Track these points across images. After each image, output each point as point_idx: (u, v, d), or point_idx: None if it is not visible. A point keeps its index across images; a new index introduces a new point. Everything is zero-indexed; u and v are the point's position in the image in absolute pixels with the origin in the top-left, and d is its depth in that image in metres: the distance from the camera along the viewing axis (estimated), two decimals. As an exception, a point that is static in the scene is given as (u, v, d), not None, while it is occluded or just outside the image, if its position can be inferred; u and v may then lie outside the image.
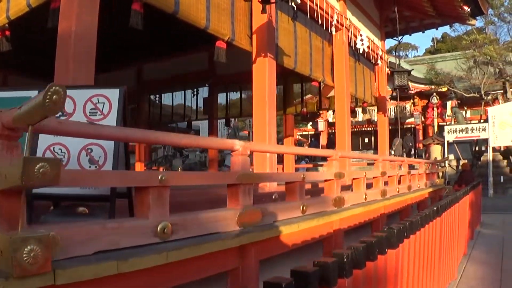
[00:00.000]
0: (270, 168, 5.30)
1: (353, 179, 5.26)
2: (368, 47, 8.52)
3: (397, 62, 9.29)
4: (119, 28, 8.69)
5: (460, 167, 14.35)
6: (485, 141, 17.41)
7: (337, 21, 7.30)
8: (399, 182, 7.34)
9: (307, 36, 6.95)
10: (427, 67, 22.12)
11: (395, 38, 12.05)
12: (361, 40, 8.16)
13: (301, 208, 3.72)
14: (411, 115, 22.80)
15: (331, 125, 25.74)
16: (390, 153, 21.83)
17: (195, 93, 12.63)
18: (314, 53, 7.13)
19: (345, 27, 7.65)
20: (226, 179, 2.93)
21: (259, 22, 5.53)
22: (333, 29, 7.22)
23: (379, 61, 9.27)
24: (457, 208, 5.65)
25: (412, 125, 23.49)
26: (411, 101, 22.51)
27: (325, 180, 4.51)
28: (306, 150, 4.64)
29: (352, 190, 5.26)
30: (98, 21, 3.48)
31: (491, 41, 18.01)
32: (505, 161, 18.67)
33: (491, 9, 20.77)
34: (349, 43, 8.02)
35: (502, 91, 20.23)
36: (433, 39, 46.13)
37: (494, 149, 18.09)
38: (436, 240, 3.90)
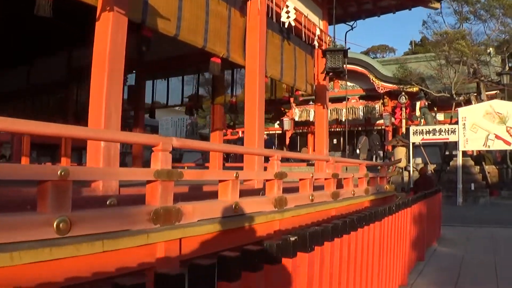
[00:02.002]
0: (107, 163, 3.71)
1: (220, 181, 3.69)
2: (298, 22, 6.99)
3: (339, 44, 7.73)
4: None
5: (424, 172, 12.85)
6: (456, 145, 15.99)
7: (248, -18, 5.77)
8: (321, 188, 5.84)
9: (202, -3, 5.38)
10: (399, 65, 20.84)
11: (347, 23, 10.64)
12: (287, 12, 6.62)
13: (55, 225, 2.16)
14: (381, 116, 21.39)
15: (298, 124, 24.22)
16: (344, 152, 20.54)
17: (124, 81, 10.96)
18: (215, 21, 5.56)
19: (261, -7, 6.10)
20: None
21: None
22: (243, -8, 5.68)
23: (316, 43, 7.70)
24: (386, 225, 4.15)
25: (382, 127, 22.10)
26: (381, 101, 21.11)
27: (147, 182, 2.95)
28: (100, 133, 3.00)
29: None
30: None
31: (463, 36, 16.65)
32: (477, 167, 17.21)
33: (466, 6, 19.49)
34: (270, 15, 6.45)
35: (475, 93, 18.90)
36: (411, 42, 45.21)
37: (465, 154, 16.68)
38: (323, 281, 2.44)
